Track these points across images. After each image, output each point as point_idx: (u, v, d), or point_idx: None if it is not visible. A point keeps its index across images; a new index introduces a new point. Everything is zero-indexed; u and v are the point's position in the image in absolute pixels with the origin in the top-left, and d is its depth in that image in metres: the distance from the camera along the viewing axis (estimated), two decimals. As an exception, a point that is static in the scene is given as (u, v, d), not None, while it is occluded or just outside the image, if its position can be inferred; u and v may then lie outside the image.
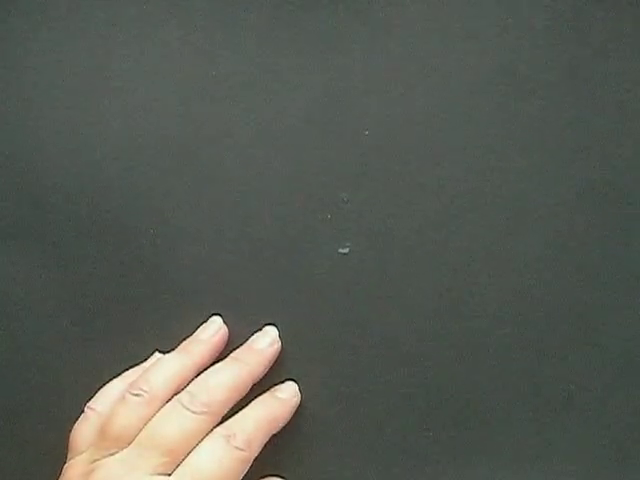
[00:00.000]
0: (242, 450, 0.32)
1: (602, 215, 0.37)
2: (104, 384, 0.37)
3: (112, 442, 0.32)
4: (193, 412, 0.33)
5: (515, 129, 0.38)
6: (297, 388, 0.36)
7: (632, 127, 0.37)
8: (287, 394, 0.36)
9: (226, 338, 0.37)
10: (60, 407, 0.38)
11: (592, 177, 0.37)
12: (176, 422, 0.32)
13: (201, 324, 0.37)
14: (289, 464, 0.37)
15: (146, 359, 0.38)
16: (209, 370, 0.35)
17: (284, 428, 0.36)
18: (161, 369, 0.35)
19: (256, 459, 0.34)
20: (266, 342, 0.36)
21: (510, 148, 0.38)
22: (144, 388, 0.33)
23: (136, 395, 0.33)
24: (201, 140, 0.39)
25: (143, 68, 0.39)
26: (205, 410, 0.33)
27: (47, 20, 0.40)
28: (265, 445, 0.34)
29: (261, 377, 0.36)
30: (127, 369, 0.37)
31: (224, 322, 0.37)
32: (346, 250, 0.37)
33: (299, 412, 0.37)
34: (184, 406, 0.33)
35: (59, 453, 0.35)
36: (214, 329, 0.37)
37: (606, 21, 0.38)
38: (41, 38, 0.40)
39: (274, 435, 0.35)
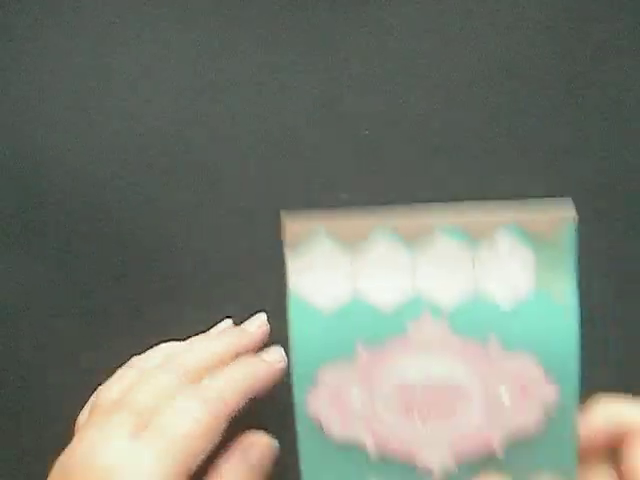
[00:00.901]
0: (217, 405, 0.30)
1: (602, 215, 0.37)
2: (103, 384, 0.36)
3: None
4: (166, 372, 0.31)
5: (515, 128, 0.38)
6: (283, 353, 0.35)
7: (632, 126, 0.38)
8: (272, 357, 0.35)
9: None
10: (59, 407, 0.38)
11: (592, 176, 0.37)
12: (149, 383, 0.31)
13: (200, 324, 0.37)
14: (290, 463, 0.37)
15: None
16: (195, 338, 0.35)
17: (284, 426, 0.36)
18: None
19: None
20: (255, 325, 0.36)
21: (510, 147, 0.38)
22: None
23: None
24: (201, 139, 0.39)
25: (143, 68, 0.39)
26: (180, 370, 0.31)
27: (47, 20, 0.40)
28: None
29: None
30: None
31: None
32: (346, 250, 0.37)
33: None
34: (160, 368, 0.32)
35: (58, 453, 0.35)
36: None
37: (606, 20, 0.38)
38: (41, 39, 0.40)
39: (277, 433, 0.35)
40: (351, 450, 0.30)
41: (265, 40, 0.39)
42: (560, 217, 0.28)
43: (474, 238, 0.28)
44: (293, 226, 0.29)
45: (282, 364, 0.34)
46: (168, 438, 0.29)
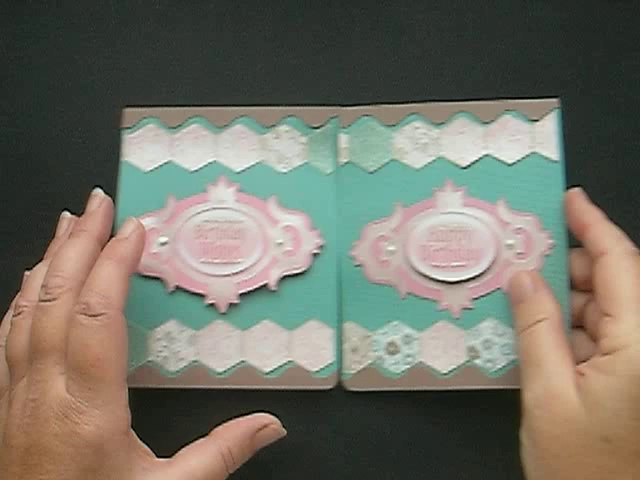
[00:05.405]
0: (103, 314, 0.30)
1: (609, 215, 0.36)
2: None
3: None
4: (51, 300, 0.31)
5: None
6: (136, 222, 0.34)
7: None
8: (127, 230, 0.33)
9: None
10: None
11: (603, 176, 0.38)
12: (40, 322, 0.31)
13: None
14: (290, 462, 0.36)
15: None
16: (55, 255, 0.34)
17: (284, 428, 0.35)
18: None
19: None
20: (95, 204, 0.36)
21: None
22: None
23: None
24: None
25: (154, 67, 0.39)
26: (59, 291, 0.31)
27: (56, 20, 0.40)
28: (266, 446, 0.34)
29: (106, 235, 0.34)
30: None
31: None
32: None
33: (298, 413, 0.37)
34: (44, 300, 0.31)
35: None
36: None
37: (618, 20, 0.39)
38: (50, 37, 0.40)
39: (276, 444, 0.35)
40: (153, 283, 0.36)
41: (275, 39, 0.40)
42: (328, 112, 0.38)
43: (263, 125, 0.38)
44: (128, 113, 0.38)
45: (138, 231, 0.33)
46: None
